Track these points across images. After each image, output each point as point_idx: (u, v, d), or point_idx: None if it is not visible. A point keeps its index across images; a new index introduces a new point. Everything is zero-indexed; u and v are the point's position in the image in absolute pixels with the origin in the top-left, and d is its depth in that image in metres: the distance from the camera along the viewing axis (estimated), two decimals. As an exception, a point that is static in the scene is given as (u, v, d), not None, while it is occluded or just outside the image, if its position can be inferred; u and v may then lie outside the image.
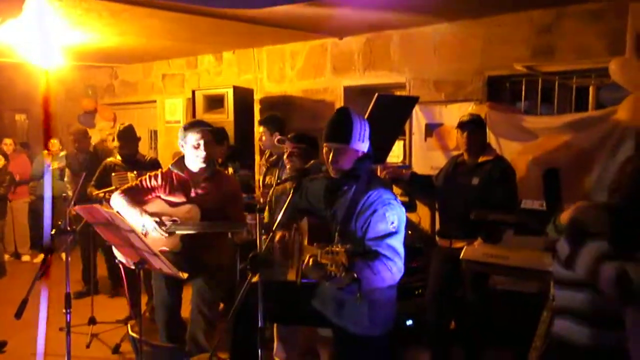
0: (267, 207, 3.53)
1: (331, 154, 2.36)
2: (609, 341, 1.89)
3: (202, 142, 3.19)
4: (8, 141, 6.93)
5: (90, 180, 4.62)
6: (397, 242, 2.28)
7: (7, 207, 6.82)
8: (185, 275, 2.67)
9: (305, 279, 2.18)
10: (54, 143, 6.64)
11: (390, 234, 2.25)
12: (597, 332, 1.90)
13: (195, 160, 3.24)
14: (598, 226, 1.87)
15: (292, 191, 2.36)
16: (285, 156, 3.40)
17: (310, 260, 2.06)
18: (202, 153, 3.20)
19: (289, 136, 3.46)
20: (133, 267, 2.73)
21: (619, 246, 1.81)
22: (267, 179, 3.92)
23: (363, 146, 2.39)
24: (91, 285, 4.89)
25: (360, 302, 2.16)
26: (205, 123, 3.37)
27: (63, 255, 3.43)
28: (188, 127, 3.26)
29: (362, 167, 2.39)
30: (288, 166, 3.42)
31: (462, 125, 3.69)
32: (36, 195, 6.96)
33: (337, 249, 1.93)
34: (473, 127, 3.64)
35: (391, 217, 2.27)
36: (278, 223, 2.25)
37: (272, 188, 3.64)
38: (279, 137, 3.71)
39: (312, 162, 2.46)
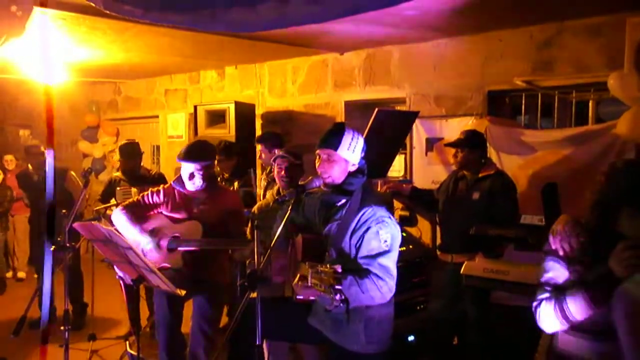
0: (249, 223, 3.53)
1: (320, 161, 2.38)
2: (608, 351, 1.87)
3: (189, 173, 3.19)
4: (9, 157, 6.96)
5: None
6: (390, 261, 2.25)
7: (10, 221, 6.83)
8: (182, 292, 2.66)
9: (300, 296, 2.18)
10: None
11: (382, 253, 2.23)
12: (595, 343, 1.88)
13: (190, 187, 3.25)
14: (568, 242, 1.91)
15: (290, 207, 2.36)
16: (280, 172, 3.40)
17: (300, 280, 2.06)
18: (190, 182, 3.21)
19: (282, 153, 3.47)
20: (131, 283, 2.73)
21: (581, 260, 1.87)
22: (268, 193, 3.93)
23: (353, 157, 2.38)
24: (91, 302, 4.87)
25: (349, 321, 2.14)
26: (202, 155, 3.22)
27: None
28: (182, 158, 3.21)
29: (355, 182, 2.39)
30: (279, 184, 3.43)
31: (451, 144, 3.77)
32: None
33: (326, 269, 1.92)
34: (462, 145, 3.69)
35: (384, 236, 2.25)
36: (276, 240, 2.25)
37: (257, 205, 3.65)
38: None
39: (310, 177, 2.45)
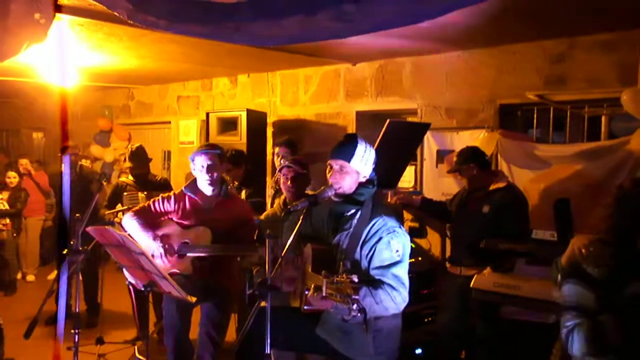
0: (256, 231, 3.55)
1: (332, 172, 2.40)
2: None
3: (206, 164, 3.23)
4: (24, 162, 7.05)
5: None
6: (402, 271, 2.27)
7: (22, 224, 6.89)
8: (193, 299, 2.67)
9: (309, 306, 2.18)
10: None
11: (395, 263, 2.25)
12: None
13: (203, 183, 3.27)
14: (596, 261, 1.89)
15: (302, 217, 2.37)
16: (286, 182, 3.42)
17: (315, 292, 2.06)
18: (208, 176, 3.23)
19: (288, 163, 3.49)
20: (142, 289, 2.75)
21: (606, 282, 1.85)
22: (275, 202, 3.95)
23: (365, 169, 2.40)
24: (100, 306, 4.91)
25: (367, 332, 2.14)
26: (213, 146, 3.39)
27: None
28: (196, 152, 3.31)
29: (366, 192, 2.40)
30: (286, 193, 3.44)
31: (451, 171, 3.93)
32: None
33: (342, 279, 1.92)
34: (460, 168, 3.77)
35: (396, 245, 2.27)
36: (287, 249, 2.26)
37: (265, 213, 3.66)
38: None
39: (322, 187, 2.46)
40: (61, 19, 3.53)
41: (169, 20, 1.87)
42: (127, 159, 4.93)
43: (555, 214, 3.19)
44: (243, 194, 4.43)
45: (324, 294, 1.95)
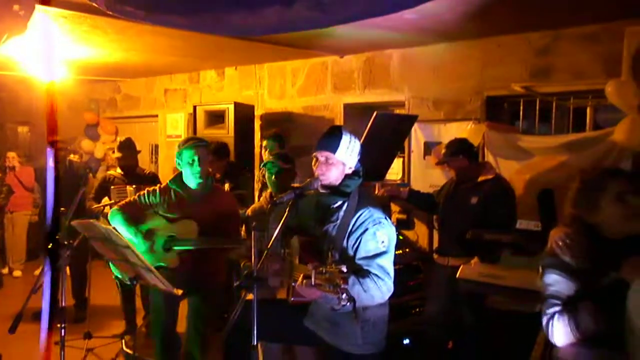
0: (243, 226, 3.57)
1: (317, 163, 2.41)
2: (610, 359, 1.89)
3: (196, 158, 3.22)
4: (11, 155, 6.97)
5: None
6: (387, 262, 2.29)
7: (6, 219, 6.81)
8: (179, 292, 2.67)
9: (296, 297, 2.19)
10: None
11: (380, 254, 2.27)
12: (598, 351, 1.89)
13: (191, 177, 3.26)
14: (573, 252, 1.92)
15: (288, 209, 2.37)
16: (270, 176, 3.44)
17: (304, 280, 2.07)
18: (197, 169, 3.22)
19: (272, 158, 3.50)
20: (129, 282, 2.74)
21: (584, 270, 1.89)
22: (263, 195, 3.95)
23: (351, 160, 2.41)
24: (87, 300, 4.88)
25: (356, 321, 2.17)
26: (200, 139, 3.39)
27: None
28: (182, 145, 3.28)
29: (352, 184, 2.42)
30: (272, 188, 3.46)
31: (439, 163, 3.96)
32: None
33: (332, 269, 1.93)
34: (448, 160, 3.78)
35: (381, 237, 2.29)
36: (272, 242, 2.26)
37: (252, 207, 3.68)
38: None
39: (308, 180, 2.47)
40: (46, 10, 3.48)
41: (148, 10, 1.86)
42: (115, 150, 4.91)
43: (539, 204, 3.23)
44: (226, 187, 4.42)
45: (312, 284, 1.96)
